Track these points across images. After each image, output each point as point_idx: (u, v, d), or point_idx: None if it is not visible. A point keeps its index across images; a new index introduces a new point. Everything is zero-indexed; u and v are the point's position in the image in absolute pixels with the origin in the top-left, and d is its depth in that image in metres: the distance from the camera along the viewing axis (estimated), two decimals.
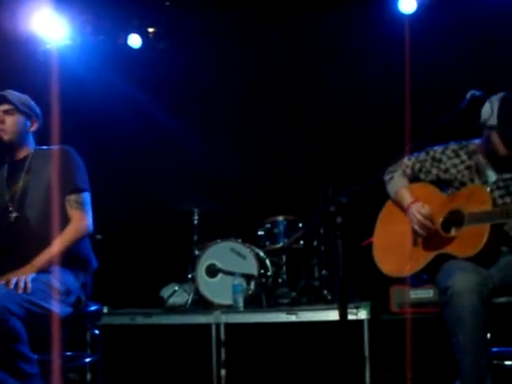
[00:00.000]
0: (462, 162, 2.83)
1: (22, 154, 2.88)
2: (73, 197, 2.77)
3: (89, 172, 2.91)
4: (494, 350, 2.71)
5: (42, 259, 2.61)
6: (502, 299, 2.57)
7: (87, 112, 5.37)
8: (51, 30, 5.21)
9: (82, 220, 2.75)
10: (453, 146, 2.90)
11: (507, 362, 2.71)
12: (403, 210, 2.90)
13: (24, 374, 2.37)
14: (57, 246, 2.66)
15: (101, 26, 5.48)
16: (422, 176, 2.92)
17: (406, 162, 2.97)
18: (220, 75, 5.63)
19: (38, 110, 2.96)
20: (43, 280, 2.58)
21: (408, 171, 2.96)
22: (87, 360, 3.27)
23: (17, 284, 2.43)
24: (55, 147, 2.89)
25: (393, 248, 2.91)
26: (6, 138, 2.79)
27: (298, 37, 5.45)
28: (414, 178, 2.96)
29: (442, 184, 2.90)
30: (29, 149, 2.90)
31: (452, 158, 2.85)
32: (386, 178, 3.02)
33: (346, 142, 5.33)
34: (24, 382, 2.37)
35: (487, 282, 2.52)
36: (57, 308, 2.56)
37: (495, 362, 2.67)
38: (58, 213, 2.72)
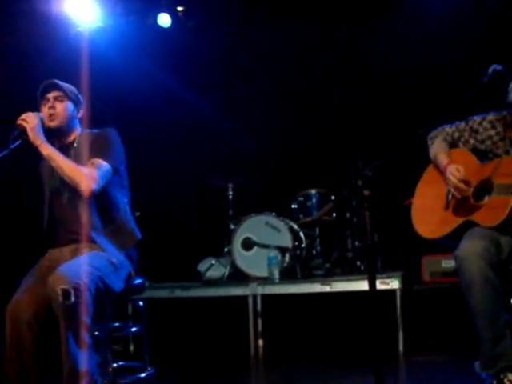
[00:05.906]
0: (497, 133, 2.85)
1: (70, 138, 2.96)
2: (93, 160, 2.78)
3: (125, 152, 2.96)
4: None
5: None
6: None
7: (118, 93, 5.45)
8: (83, 12, 5.27)
9: (91, 175, 2.71)
10: (491, 116, 2.91)
11: None
12: (441, 172, 2.95)
13: (84, 343, 2.56)
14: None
15: (130, 6, 5.53)
16: (461, 145, 2.97)
17: (447, 129, 3.01)
18: (250, 52, 5.65)
19: (81, 98, 3.03)
20: (105, 256, 2.73)
21: (448, 138, 3.00)
22: (133, 330, 3.31)
23: None
24: (99, 130, 2.97)
25: (428, 210, 2.96)
26: (54, 124, 2.87)
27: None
28: (453, 145, 3.01)
29: (479, 153, 2.92)
30: (76, 133, 2.98)
31: (488, 130, 2.88)
32: (429, 143, 3.08)
33: (376, 117, 5.33)
34: (82, 349, 2.55)
35: (498, 247, 2.57)
36: (115, 284, 2.73)
37: None
38: None
